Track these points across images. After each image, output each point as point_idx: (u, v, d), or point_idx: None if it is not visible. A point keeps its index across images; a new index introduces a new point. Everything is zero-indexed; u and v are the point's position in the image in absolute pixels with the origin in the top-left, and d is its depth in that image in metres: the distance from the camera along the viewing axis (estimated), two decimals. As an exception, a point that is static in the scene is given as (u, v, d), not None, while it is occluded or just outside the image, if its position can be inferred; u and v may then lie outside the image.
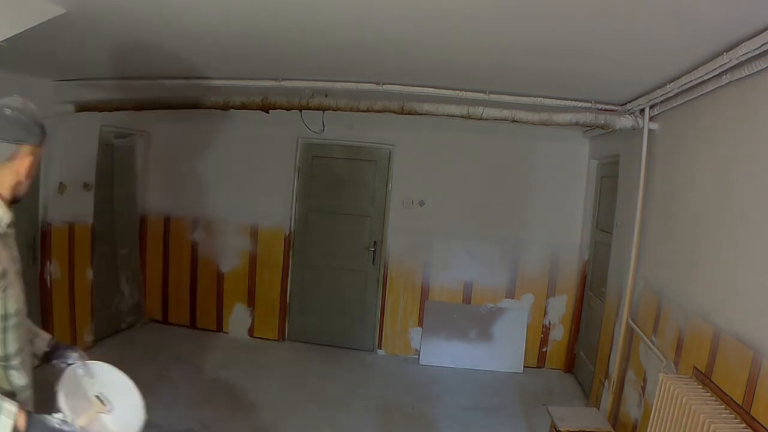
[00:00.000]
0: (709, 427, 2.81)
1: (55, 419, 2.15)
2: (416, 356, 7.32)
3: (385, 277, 7.42)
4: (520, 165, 7.12)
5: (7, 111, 2.11)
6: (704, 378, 3.34)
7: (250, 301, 7.68)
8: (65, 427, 2.15)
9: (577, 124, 4.93)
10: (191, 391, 5.83)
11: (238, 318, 7.73)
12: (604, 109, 5.02)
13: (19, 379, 2.23)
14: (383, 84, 4.98)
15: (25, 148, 2.15)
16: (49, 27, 3.25)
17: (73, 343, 6.21)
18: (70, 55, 4.59)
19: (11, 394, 2.15)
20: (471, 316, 7.22)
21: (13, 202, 2.21)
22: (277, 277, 7.61)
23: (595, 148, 6.75)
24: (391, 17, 3.15)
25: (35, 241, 5.90)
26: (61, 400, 2.25)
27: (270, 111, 5.45)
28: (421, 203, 7.27)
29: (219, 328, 7.80)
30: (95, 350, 6.59)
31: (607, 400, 5.13)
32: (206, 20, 3.36)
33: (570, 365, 7.19)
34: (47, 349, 2.69)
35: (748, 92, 3.21)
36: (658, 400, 3.57)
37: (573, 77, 4.28)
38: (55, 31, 3.61)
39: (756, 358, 2.81)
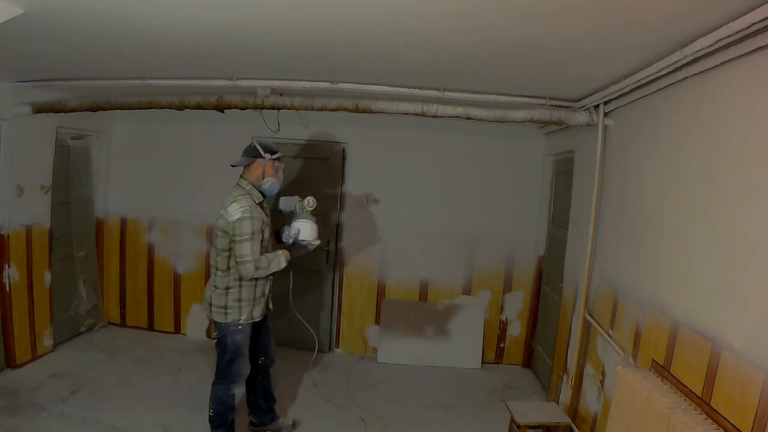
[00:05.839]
0: (670, 419, 2.84)
1: (302, 242, 4.66)
2: (374, 354, 7.30)
3: (341, 276, 7.38)
4: (476, 162, 7.13)
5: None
6: (663, 371, 3.38)
7: (207, 303, 7.55)
8: (308, 244, 4.68)
9: (531, 120, 4.95)
10: (151, 393, 5.75)
11: (196, 319, 7.61)
12: (559, 106, 5.06)
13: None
14: (338, 82, 4.94)
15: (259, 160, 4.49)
16: (7, 28, 3.20)
17: (33, 347, 6.22)
18: (27, 56, 4.45)
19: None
20: (428, 314, 7.22)
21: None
22: (232, 278, 7.49)
23: (551, 144, 6.81)
24: (343, 18, 3.12)
25: (-7, 245, 5.77)
26: (301, 231, 4.67)
27: (225, 111, 5.38)
28: (377, 201, 7.25)
29: (177, 329, 7.68)
30: (55, 354, 6.51)
31: (566, 394, 5.18)
32: (163, 19, 3.28)
33: (528, 360, 7.25)
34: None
35: (702, 89, 3.26)
36: (617, 394, 3.61)
37: (526, 74, 4.27)
38: (13, 33, 3.54)
39: (714, 349, 2.85)
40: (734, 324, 2.74)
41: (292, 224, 4.71)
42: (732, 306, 2.78)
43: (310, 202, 4.73)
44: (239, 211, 4.26)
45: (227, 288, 4.43)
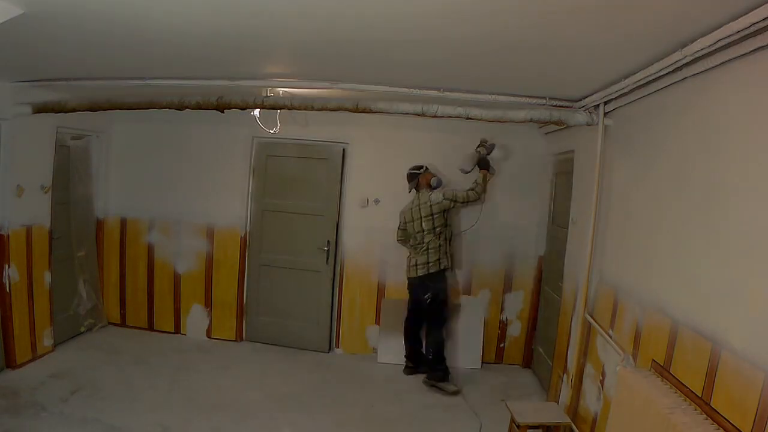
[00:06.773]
0: (670, 419, 2.84)
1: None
2: (374, 354, 7.29)
3: (341, 276, 7.37)
4: (476, 162, 7.13)
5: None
6: (663, 371, 3.38)
7: (208, 302, 7.57)
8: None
9: (531, 120, 4.94)
10: (151, 393, 5.74)
11: (196, 319, 7.63)
12: (559, 106, 5.06)
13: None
14: (338, 83, 4.94)
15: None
16: (7, 28, 3.19)
17: (33, 347, 6.22)
18: (27, 56, 4.45)
19: None
20: (428, 314, 7.20)
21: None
22: (233, 278, 7.52)
23: (551, 144, 6.80)
24: (344, 19, 3.13)
25: (-6, 245, 5.78)
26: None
27: (225, 111, 5.38)
28: (377, 201, 7.24)
29: (177, 329, 7.68)
30: (55, 354, 6.52)
31: (566, 394, 5.17)
32: (163, 19, 3.28)
33: (528, 361, 7.25)
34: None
35: (701, 89, 3.26)
36: (617, 394, 3.61)
37: (526, 74, 4.30)
38: (13, 33, 3.53)
39: (714, 349, 2.85)
40: (734, 324, 2.74)
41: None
42: (732, 306, 2.78)
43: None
44: (440, 195, 6.45)
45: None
